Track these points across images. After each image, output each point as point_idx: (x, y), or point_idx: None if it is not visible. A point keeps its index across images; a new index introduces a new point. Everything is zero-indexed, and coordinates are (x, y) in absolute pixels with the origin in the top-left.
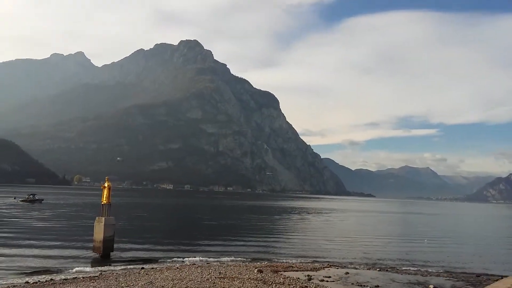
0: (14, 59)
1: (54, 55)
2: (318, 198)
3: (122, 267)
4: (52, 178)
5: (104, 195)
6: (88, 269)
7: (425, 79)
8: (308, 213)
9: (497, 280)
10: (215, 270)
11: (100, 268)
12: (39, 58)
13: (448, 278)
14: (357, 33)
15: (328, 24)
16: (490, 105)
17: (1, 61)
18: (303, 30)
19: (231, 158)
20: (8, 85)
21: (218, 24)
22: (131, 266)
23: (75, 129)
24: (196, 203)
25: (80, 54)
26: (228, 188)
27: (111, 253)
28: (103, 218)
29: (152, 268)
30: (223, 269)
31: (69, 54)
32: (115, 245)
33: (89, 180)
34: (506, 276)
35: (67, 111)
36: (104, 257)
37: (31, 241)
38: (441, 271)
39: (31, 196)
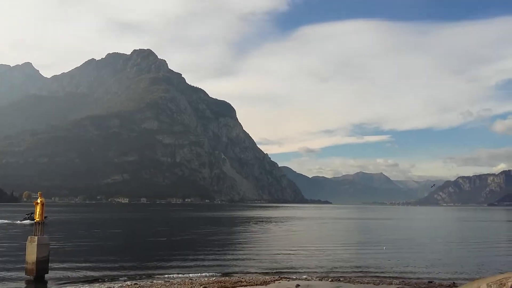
0: None
1: (0, 66)
2: (276, 206)
3: None
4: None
5: (37, 212)
6: None
7: (377, 86)
8: (266, 223)
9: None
10: None
11: None
12: None
13: (400, 285)
14: (312, 41)
15: (283, 32)
16: (438, 111)
17: None
18: (258, 38)
19: (188, 169)
20: None
21: (172, 33)
22: None
23: (24, 142)
24: (150, 216)
25: (28, 64)
26: (186, 200)
27: (46, 275)
28: (36, 237)
29: None
30: None
31: (16, 65)
32: (54, 266)
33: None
34: (458, 284)
35: (15, 124)
36: (37, 280)
37: None
38: (394, 278)
39: (31, 214)
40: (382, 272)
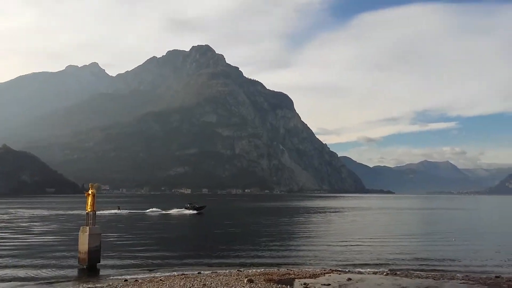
0: (30, 72)
1: (69, 67)
2: (336, 196)
3: (105, 280)
4: (72, 188)
5: (88, 203)
6: (67, 283)
7: (441, 72)
8: (327, 213)
9: None
10: (200, 281)
11: (81, 284)
12: (54, 71)
13: (463, 281)
14: (370, 29)
15: (340, 21)
16: (509, 95)
17: (17, 75)
18: (315, 28)
19: (247, 160)
20: (26, 98)
21: (228, 28)
22: (115, 279)
23: (92, 139)
24: (211, 207)
25: (94, 64)
26: (246, 190)
27: (98, 264)
28: (88, 227)
29: (136, 280)
30: (210, 279)
31: (83, 65)
32: (107, 256)
33: (108, 188)
34: None
35: (84, 121)
36: (89, 269)
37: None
38: (458, 272)
39: (190, 204)
40: (445, 266)
